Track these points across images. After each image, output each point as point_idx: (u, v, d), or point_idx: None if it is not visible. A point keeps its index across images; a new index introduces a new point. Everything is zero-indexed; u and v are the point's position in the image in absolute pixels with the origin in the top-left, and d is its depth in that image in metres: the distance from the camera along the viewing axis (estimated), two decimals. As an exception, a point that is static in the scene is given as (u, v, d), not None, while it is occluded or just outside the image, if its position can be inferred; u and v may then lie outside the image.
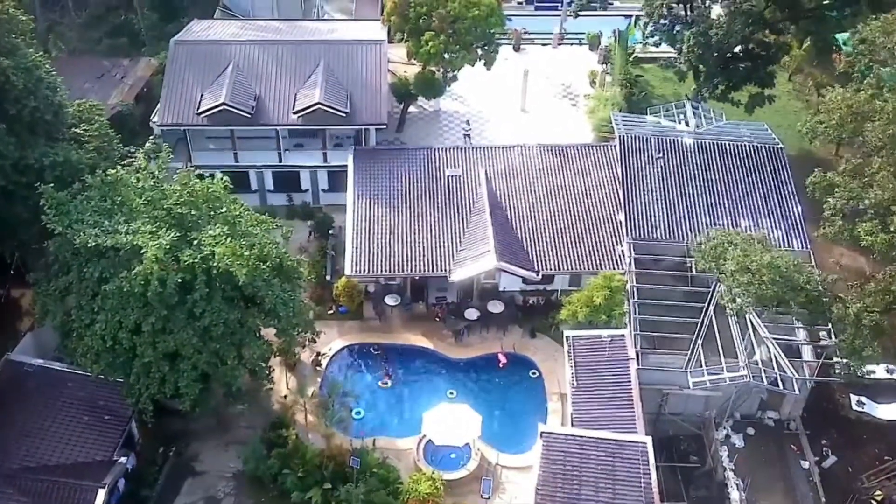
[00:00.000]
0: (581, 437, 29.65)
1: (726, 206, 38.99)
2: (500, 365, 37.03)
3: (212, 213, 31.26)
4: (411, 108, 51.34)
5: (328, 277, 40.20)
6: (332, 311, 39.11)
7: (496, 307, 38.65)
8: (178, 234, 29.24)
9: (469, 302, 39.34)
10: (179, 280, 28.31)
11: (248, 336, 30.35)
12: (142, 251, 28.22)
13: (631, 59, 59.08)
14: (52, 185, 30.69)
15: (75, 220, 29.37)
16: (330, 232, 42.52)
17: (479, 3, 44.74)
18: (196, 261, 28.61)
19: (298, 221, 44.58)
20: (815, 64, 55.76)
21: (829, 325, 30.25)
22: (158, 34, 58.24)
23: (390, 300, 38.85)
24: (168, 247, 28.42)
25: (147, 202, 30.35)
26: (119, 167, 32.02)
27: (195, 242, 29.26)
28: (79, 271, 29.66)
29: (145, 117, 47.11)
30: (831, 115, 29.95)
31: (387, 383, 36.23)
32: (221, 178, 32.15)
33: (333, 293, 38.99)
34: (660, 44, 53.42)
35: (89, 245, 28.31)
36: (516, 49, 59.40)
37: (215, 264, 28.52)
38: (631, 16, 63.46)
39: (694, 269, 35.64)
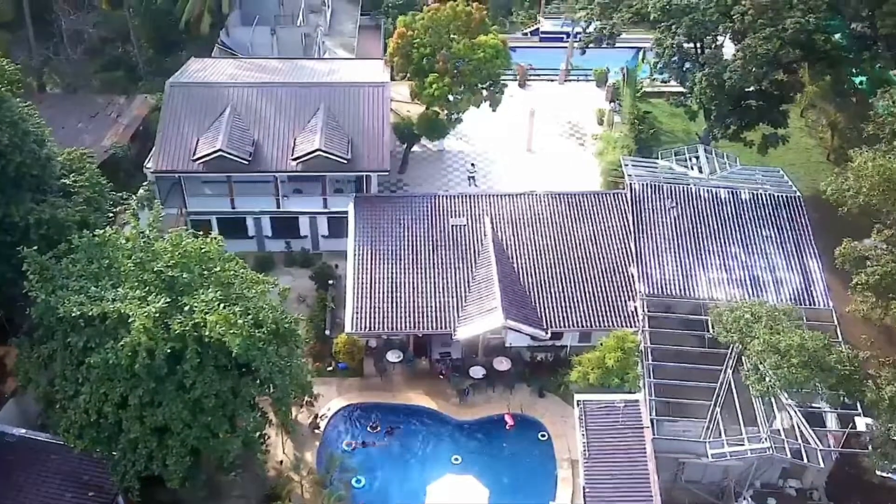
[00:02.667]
0: (594, 516, 27.96)
1: (743, 259, 37.37)
2: (508, 427, 35.31)
3: (205, 272, 29.70)
4: (415, 148, 49.96)
5: (327, 332, 38.55)
6: (331, 368, 37.45)
7: (502, 364, 36.98)
8: (168, 300, 27.66)
9: (474, 358, 37.68)
10: (169, 350, 26.70)
11: (241, 407, 28.66)
12: (129, 319, 26.64)
13: (639, 93, 57.79)
14: (37, 244, 29.20)
15: (59, 285, 27.80)
16: (330, 283, 40.90)
17: (485, 44, 43.42)
18: (187, 329, 27.02)
19: (297, 269, 43.16)
20: (832, 105, 54.29)
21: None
22: (156, 69, 57.16)
23: (392, 356, 37.19)
24: (157, 314, 26.83)
25: (136, 264, 28.77)
26: (107, 227, 30.40)
27: (186, 308, 27.66)
28: (63, 339, 28.05)
29: (141, 157, 45.65)
30: (861, 181, 28.32)
31: (351, 444, 34.45)
32: (215, 238, 30.55)
33: (333, 349, 37.34)
34: (669, 80, 52.21)
35: (73, 315, 26.68)
36: (521, 85, 58.11)
37: (207, 333, 26.93)
38: (638, 48, 62.27)
39: (710, 330, 34.00)
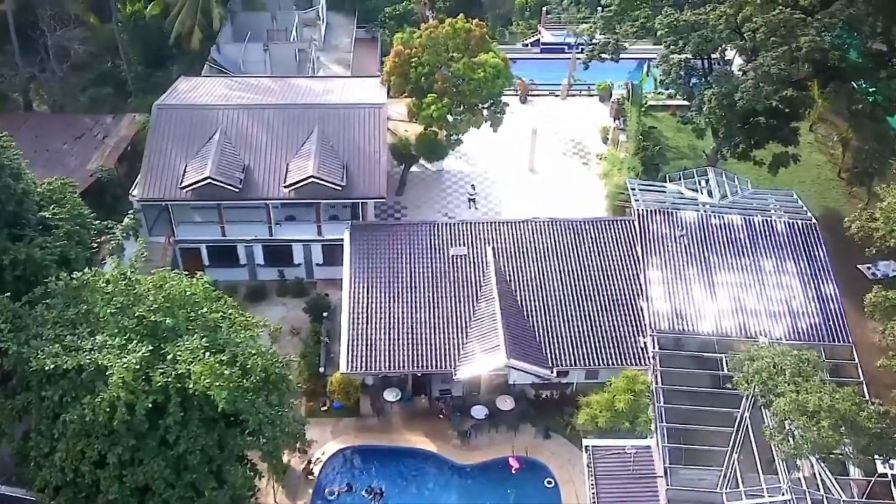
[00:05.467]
0: (606, 578, 26.22)
1: (758, 290, 35.57)
2: (513, 471, 33.50)
3: (191, 315, 27.91)
4: (413, 168, 48.20)
5: (322, 369, 36.75)
6: (325, 408, 35.69)
7: (506, 403, 35.17)
8: (150, 348, 25.83)
9: (475, 396, 35.89)
10: (150, 404, 24.89)
11: (228, 461, 26.84)
12: (107, 372, 24.83)
13: (643, 108, 56.06)
14: (11, 286, 27.60)
15: (33, 334, 25.98)
16: (324, 315, 39.09)
17: (486, 63, 41.66)
18: (170, 380, 25.22)
19: (291, 298, 41.41)
20: (843, 120, 52.57)
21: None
22: (146, 85, 55.41)
23: (390, 395, 35.40)
24: (137, 366, 25.01)
25: (116, 309, 26.94)
26: (87, 268, 28.51)
27: (169, 357, 25.86)
28: (38, 390, 26.20)
29: (129, 178, 43.77)
30: (892, 224, 26.50)
31: (333, 492, 32.67)
32: (202, 278, 28.75)
33: (328, 388, 35.57)
34: (675, 95, 50.48)
35: (47, 369, 24.88)
36: (523, 101, 56.36)
37: (192, 386, 25.13)
38: (642, 60, 60.49)
39: (725, 368, 32.30)
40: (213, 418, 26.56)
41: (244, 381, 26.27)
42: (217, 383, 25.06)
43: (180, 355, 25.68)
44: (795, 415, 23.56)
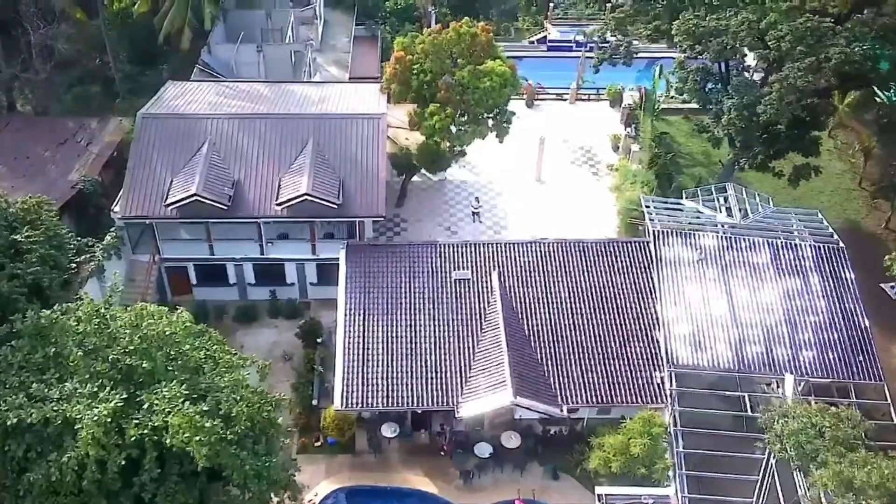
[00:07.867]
0: None
1: (783, 322, 33.25)
2: (519, 514, 31.39)
3: (171, 354, 25.59)
4: (414, 178, 45.74)
5: (315, 401, 34.49)
6: (319, 443, 33.44)
7: (511, 440, 32.91)
8: (124, 395, 23.55)
9: (480, 431, 33.61)
10: (123, 461, 22.65)
11: (211, 519, 24.67)
12: (76, 425, 22.55)
13: (656, 113, 53.56)
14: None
15: (-5, 381, 23.73)
16: (318, 340, 36.78)
17: (492, 71, 39.06)
18: (146, 432, 22.96)
19: (283, 320, 39.11)
20: (865, 127, 50.12)
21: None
22: (134, 86, 52.90)
23: (387, 430, 33.14)
24: (109, 419, 22.73)
25: (88, 351, 24.62)
26: (57, 305, 26.16)
27: (145, 406, 23.57)
28: (2, 442, 23.94)
29: (114, 188, 41.24)
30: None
31: None
32: (182, 315, 26.40)
33: (321, 422, 33.31)
34: (690, 101, 47.92)
35: (8, 424, 22.61)
36: (529, 105, 53.80)
37: (169, 441, 22.87)
38: (654, 60, 57.89)
39: (748, 408, 30.09)
40: (194, 472, 24.32)
41: (227, 432, 23.99)
42: (197, 437, 22.82)
43: (157, 404, 23.41)
44: (840, 490, 21.35)
